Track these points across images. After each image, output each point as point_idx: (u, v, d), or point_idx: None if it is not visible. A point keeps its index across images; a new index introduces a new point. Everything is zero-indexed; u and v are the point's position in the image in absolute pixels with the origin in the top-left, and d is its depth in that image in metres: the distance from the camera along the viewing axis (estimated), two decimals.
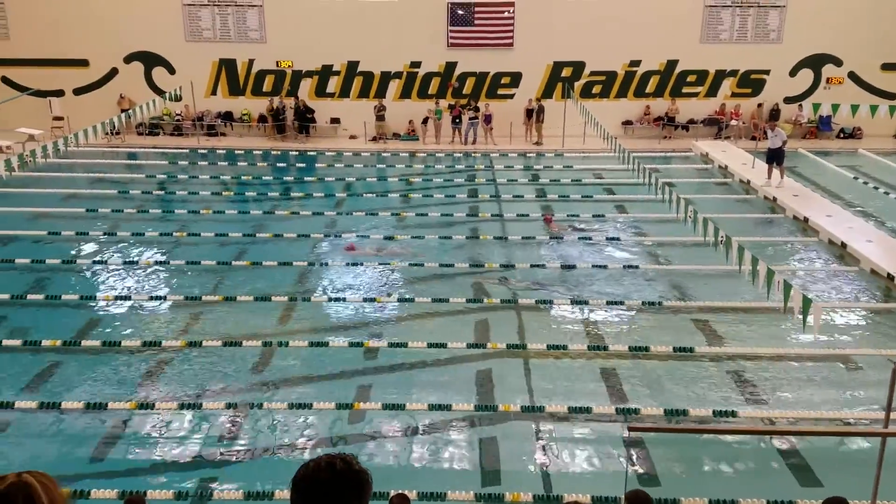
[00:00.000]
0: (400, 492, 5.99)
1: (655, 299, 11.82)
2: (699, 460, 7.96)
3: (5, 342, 10.15)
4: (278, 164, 21.51)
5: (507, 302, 11.74)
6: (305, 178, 19.78)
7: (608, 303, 11.70)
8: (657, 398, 9.03)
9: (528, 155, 22.77)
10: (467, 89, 24.44)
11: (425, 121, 23.89)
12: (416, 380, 9.52)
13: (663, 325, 11.09)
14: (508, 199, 17.79)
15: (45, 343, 10.08)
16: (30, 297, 11.69)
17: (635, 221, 16.06)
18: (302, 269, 13.15)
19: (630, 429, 5.89)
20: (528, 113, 23.73)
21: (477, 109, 23.78)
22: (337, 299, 11.86)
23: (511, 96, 24.45)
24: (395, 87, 24.52)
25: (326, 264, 13.40)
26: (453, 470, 7.75)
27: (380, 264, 13.27)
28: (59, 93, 24.18)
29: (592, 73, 24.39)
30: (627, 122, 24.78)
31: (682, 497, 7.07)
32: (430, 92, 24.43)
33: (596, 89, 24.52)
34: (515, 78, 24.41)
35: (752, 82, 24.47)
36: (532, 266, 13.25)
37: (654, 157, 21.02)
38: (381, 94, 24.39)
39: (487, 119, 23.61)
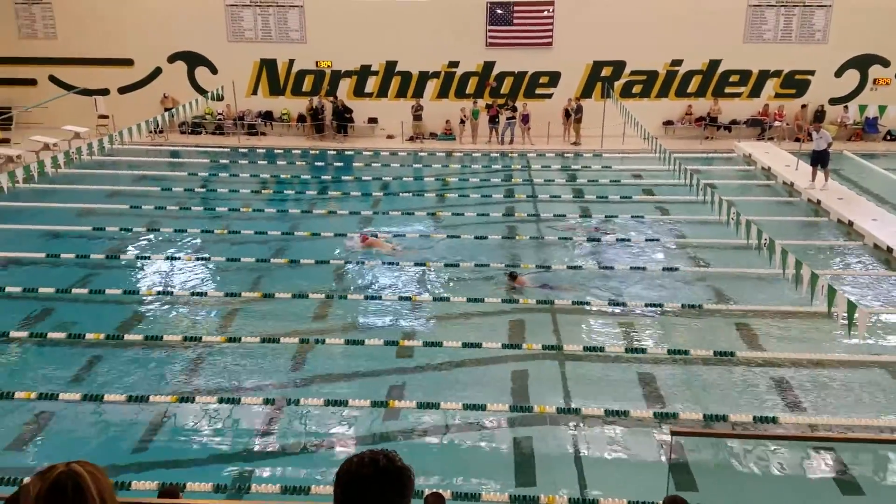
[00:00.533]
0: (435, 490, 6.00)
1: (695, 302, 11.65)
2: (738, 466, 7.82)
3: (50, 335, 10.39)
4: (316, 164, 21.71)
5: (543, 303, 11.68)
6: (343, 178, 19.91)
7: (647, 305, 11.56)
8: (696, 402, 8.91)
9: (565, 155, 22.60)
10: (505, 89, 24.37)
11: (463, 121, 23.89)
12: (450, 379, 9.52)
13: (703, 329, 10.94)
14: (545, 200, 17.71)
15: (89, 336, 10.30)
16: (75, 291, 11.96)
17: (675, 223, 15.85)
18: (338, 267, 13.25)
19: (672, 432, 5.81)
20: (567, 113, 23.59)
21: (514, 109, 23.70)
22: (373, 297, 11.92)
23: (549, 96, 24.31)
24: (432, 86, 24.55)
25: (363, 263, 13.46)
26: (488, 470, 7.71)
27: (415, 264, 13.29)
28: (105, 91, 24.71)
29: (633, 73, 24.15)
30: (668, 123, 24.49)
31: None
32: (467, 92, 24.42)
33: (636, 89, 24.27)
34: (554, 77, 24.28)
35: (796, 83, 23.99)
36: (570, 268, 13.18)
37: (696, 158, 20.75)
38: (418, 93, 24.46)
39: (525, 119, 23.52)
